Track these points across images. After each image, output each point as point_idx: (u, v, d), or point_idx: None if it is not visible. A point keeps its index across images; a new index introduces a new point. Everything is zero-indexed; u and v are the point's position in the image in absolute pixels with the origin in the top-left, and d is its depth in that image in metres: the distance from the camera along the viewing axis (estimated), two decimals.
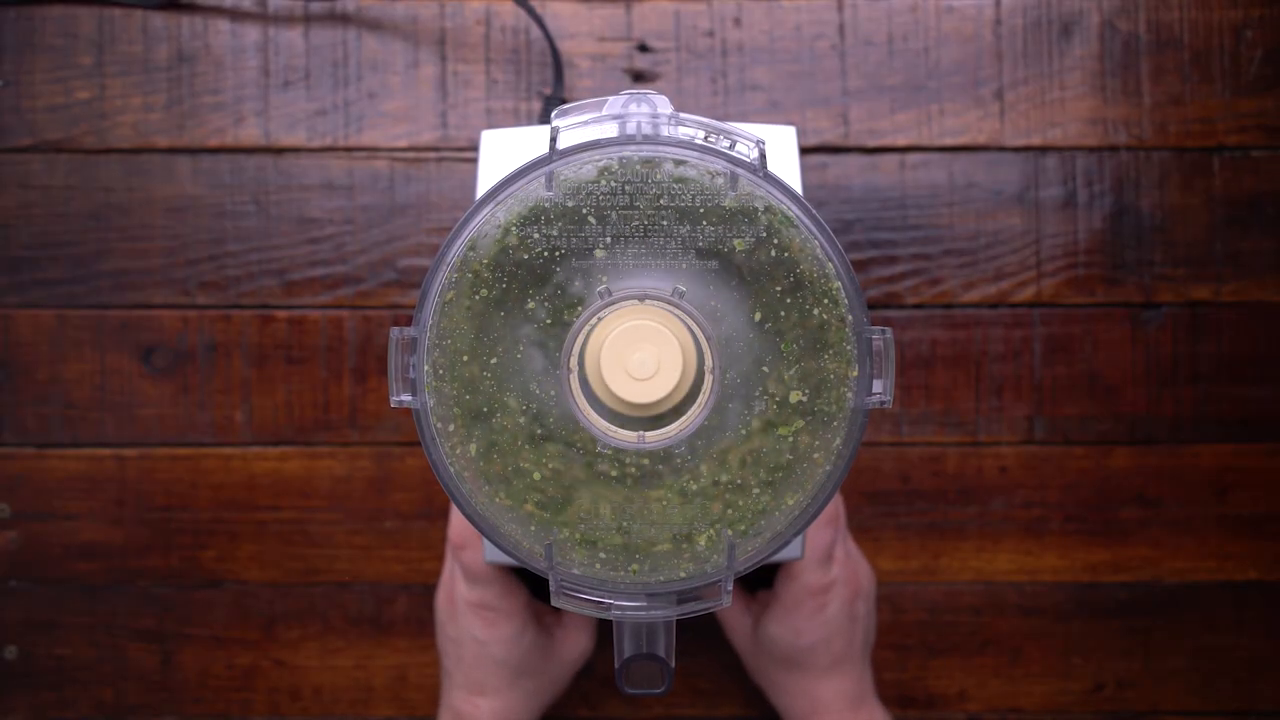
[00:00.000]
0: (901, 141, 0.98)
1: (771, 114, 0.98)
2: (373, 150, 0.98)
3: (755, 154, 0.58)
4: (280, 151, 0.98)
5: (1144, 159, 0.98)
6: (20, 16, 0.98)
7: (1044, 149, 0.98)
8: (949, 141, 0.98)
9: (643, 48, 0.98)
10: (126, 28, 0.98)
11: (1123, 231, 0.97)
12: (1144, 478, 0.98)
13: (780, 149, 0.80)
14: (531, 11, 0.95)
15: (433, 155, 0.98)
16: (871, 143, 0.98)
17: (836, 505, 0.88)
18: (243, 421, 0.98)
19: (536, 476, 0.59)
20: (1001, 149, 0.98)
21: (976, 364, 0.98)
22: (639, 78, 0.98)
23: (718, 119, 0.99)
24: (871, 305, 0.97)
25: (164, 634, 0.99)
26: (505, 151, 0.80)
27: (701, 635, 0.98)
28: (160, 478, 0.98)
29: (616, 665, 0.62)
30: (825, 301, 0.57)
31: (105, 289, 0.98)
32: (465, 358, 0.58)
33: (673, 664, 0.61)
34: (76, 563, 0.99)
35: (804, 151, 0.97)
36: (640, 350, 0.56)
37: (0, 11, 0.98)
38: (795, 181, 0.79)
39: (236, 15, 0.98)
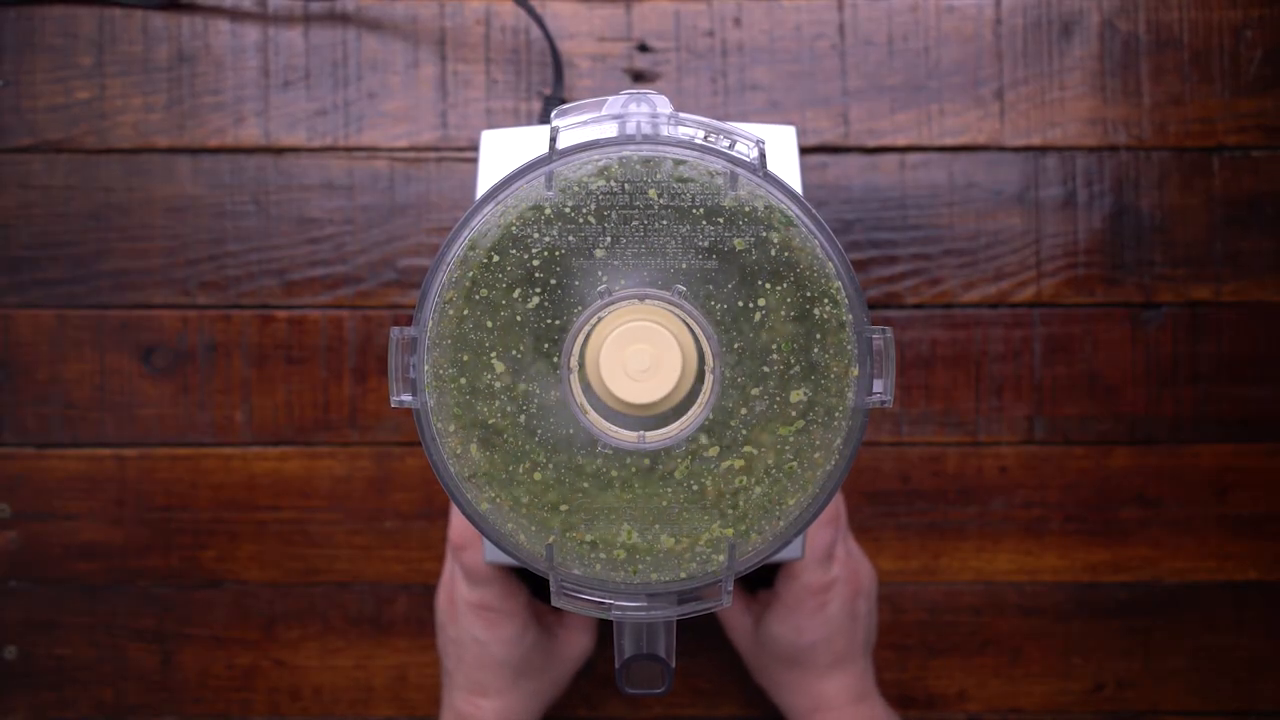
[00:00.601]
0: (901, 141, 0.98)
1: (771, 114, 0.98)
2: (373, 150, 0.98)
3: (755, 154, 0.58)
4: (280, 151, 0.98)
5: (1144, 159, 0.98)
6: (20, 16, 0.98)
7: (1044, 149, 0.98)
8: (949, 141, 0.98)
9: (643, 48, 0.98)
10: (126, 28, 0.98)
11: (1123, 231, 0.97)
12: (1144, 478, 0.98)
13: (780, 149, 0.80)
14: (531, 11, 0.95)
15: (433, 155, 0.98)
16: (871, 143, 0.98)
17: (837, 504, 0.88)
18: (243, 421, 0.98)
19: (537, 477, 0.59)
20: (1001, 149, 0.98)
21: (976, 364, 0.98)
22: (639, 78, 0.98)
23: (718, 119, 0.99)
24: (871, 305, 0.97)
25: (164, 634, 0.99)
26: (505, 151, 0.80)
27: (701, 635, 0.98)
28: (160, 478, 0.98)
29: (617, 665, 0.62)
30: (825, 301, 0.57)
31: (105, 289, 0.98)
32: (465, 358, 0.58)
33: (673, 664, 0.61)
34: (76, 563, 0.99)
35: (804, 151, 0.97)
36: (639, 350, 0.56)
37: (0, 11, 0.98)
38: (795, 181, 0.79)
39: (236, 15, 0.98)
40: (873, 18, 0.98)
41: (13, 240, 0.98)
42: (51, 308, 0.97)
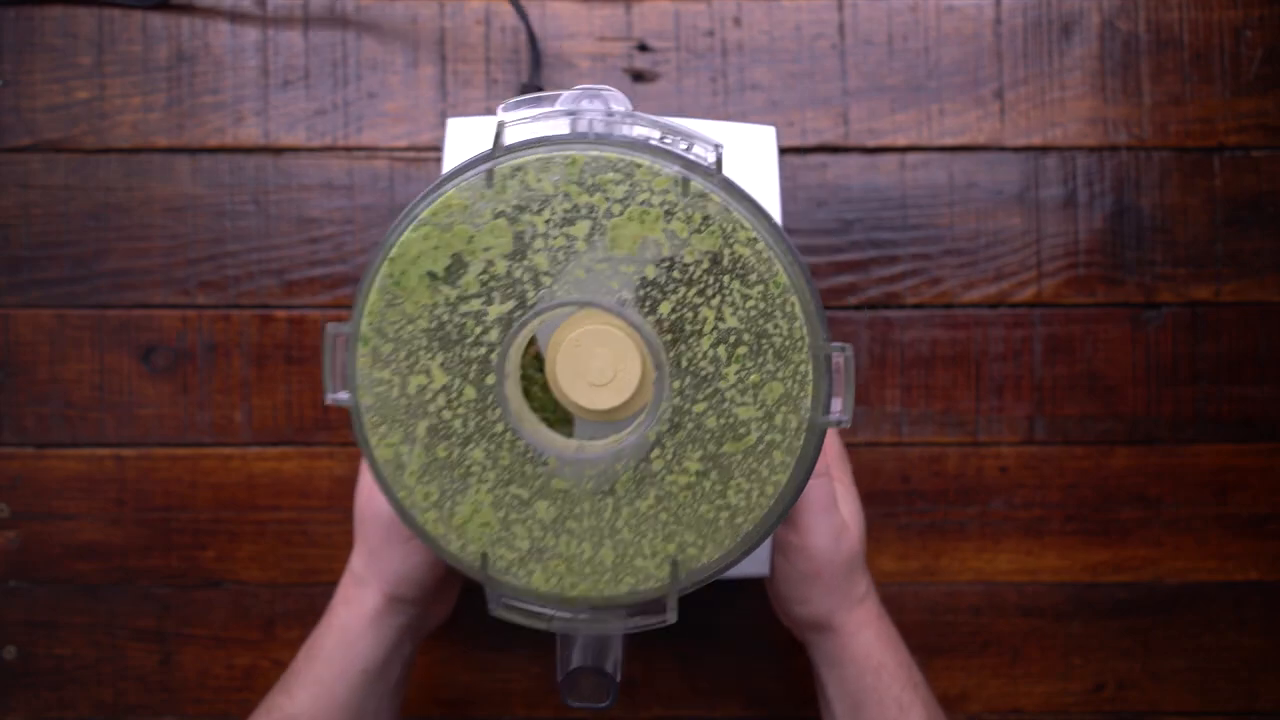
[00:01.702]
0: (901, 141, 0.98)
1: (772, 114, 0.98)
2: (372, 150, 0.98)
3: (712, 157, 0.56)
4: (280, 151, 0.98)
5: (1144, 159, 0.97)
6: (20, 16, 0.98)
7: (1044, 149, 0.97)
8: (949, 141, 0.97)
9: (643, 47, 0.98)
10: (126, 28, 0.98)
11: (1123, 231, 0.97)
12: (1144, 478, 0.98)
13: (759, 149, 0.80)
14: (514, 3, 0.94)
15: (432, 155, 0.98)
16: (871, 143, 0.98)
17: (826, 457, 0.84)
18: (242, 421, 0.99)
19: (471, 482, 0.58)
20: (1001, 149, 0.97)
21: (976, 364, 0.98)
22: (639, 77, 0.98)
23: (718, 118, 0.99)
24: (871, 305, 0.97)
25: (164, 634, 0.99)
26: (471, 140, 0.80)
27: (702, 635, 0.98)
28: (160, 478, 0.99)
29: (559, 677, 0.61)
30: (779, 315, 0.56)
31: (105, 289, 0.98)
32: (399, 359, 0.57)
33: (619, 677, 0.61)
34: (76, 563, 0.99)
35: (804, 151, 0.97)
36: (597, 355, 0.56)
37: (0, 11, 0.98)
38: (772, 183, 0.79)
39: (236, 15, 0.98)
40: (873, 18, 0.98)
41: (13, 240, 0.98)
42: (51, 308, 0.98)
